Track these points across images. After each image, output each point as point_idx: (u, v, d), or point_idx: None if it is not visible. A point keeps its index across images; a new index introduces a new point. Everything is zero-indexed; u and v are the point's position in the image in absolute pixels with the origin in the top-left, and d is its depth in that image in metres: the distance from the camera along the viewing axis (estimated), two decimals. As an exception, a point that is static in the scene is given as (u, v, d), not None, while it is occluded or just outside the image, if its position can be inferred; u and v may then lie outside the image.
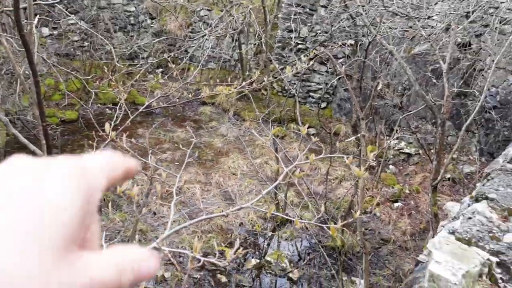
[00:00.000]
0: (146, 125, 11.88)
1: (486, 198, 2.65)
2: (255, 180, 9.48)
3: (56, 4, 8.84)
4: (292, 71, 3.29)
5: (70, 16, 9.15)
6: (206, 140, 11.43)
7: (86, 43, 13.33)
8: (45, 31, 12.66)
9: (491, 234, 2.32)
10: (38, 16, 5.64)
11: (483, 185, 2.87)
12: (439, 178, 6.49)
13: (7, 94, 9.15)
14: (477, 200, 2.69)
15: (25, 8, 5.92)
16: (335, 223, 1.98)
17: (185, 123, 12.38)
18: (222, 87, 3.02)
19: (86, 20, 13.06)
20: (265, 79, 3.77)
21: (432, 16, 7.46)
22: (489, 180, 2.89)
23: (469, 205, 2.77)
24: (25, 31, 4.47)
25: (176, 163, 10.10)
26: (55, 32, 12.97)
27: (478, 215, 2.48)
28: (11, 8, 6.32)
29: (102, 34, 13.05)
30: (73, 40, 13.16)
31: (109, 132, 1.78)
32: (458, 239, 2.30)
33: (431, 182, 6.62)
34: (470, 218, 2.45)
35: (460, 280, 2.03)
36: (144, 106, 3.46)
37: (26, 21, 5.78)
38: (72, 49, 13.25)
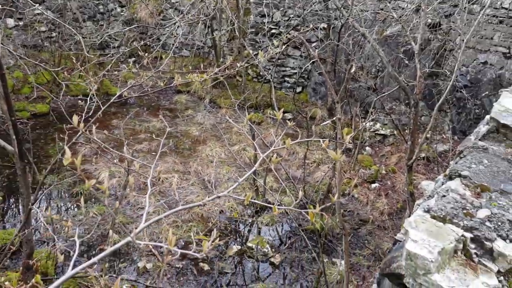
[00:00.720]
0: (120, 116, 11.68)
1: (459, 175, 2.71)
2: (233, 167, 9.47)
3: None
4: (265, 56, 3.26)
5: (35, 6, 8.85)
6: (182, 128, 11.33)
7: (54, 34, 12.95)
8: (10, 22, 12.23)
9: (464, 211, 2.38)
10: (1, 6, 5.44)
11: (456, 163, 2.93)
12: (414, 157, 6.61)
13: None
14: (450, 178, 2.74)
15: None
16: (314, 207, 2.00)
17: (160, 112, 12.22)
18: (195, 74, 2.98)
19: (53, 10, 12.66)
20: (239, 65, 3.73)
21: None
22: (462, 158, 2.95)
23: (443, 183, 2.83)
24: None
25: (153, 153, 9.98)
26: (21, 23, 12.55)
27: (452, 192, 2.53)
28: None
29: (70, 24, 12.68)
30: (40, 31, 12.76)
31: (78, 125, 1.73)
32: (433, 217, 2.34)
33: (407, 162, 6.75)
34: (444, 196, 2.50)
35: (436, 257, 2.07)
36: (116, 96, 3.40)
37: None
38: (39, 40, 12.86)
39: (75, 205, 8.50)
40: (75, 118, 1.68)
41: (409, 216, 6.25)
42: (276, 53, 12.07)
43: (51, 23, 12.70)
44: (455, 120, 9.48)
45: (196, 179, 8.92)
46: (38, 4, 12.16)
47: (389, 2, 8.87)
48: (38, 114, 11.37)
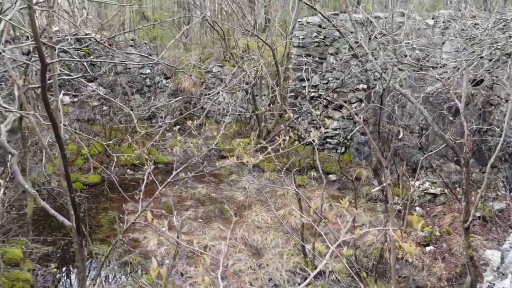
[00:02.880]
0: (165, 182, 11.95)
1: (529, 248, 2.58)
2: (280, 232, 9.36)
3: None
4: (318, 133, 3.34)
5: (89, 84, 9.51)
6: (227, 194, 11.43)
7: (105, 108, 13.76)
8: (66, 99, 13.14)
9: (540, 288, 2.24)
10: (62, 92, 5.89)
11: (523, 232, 2.79)
12: (470, 219, 6.34)
13: (33, 163, 9.39)
14: (519, 250, 2.61)
15: (50, 84, 6.19)
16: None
17: (205, 178, 12.44)
18: (248, 155, 3.08)
19: (105, 86, 13.54)
20: (286, 137, 3.81)
21: (446, 64, 7.53)
22: (528, 227, 2.82)
23: None
24: (51, 107, 4.66)
25: (200, 220, 10.07)
26: (76, 99, 13.45)
27: (524, 267, 2.40)
28: (37, 85, 6.62)
29: (120, 98, 13.48)
30: (93, 106, 13.60)
31: (151, 222, 1.81)
32: (507, 295, 2.22)
33: (462, 224, 6.46)
34: (516, 271, 2.37)
35: None
36: (172, 176, 3.54)
37: (51, 97, 6.03)
38: (92, 114, 13.67)
39: (122, 274, 8.57)
40: (149, 215, 1.76)
41: (471, 283, 5.88)
42: (317, 116, 12.15)
43: (103, 98, 13.53)
44: (510, 176, 9.09)
45: (244, 246, 8.84)
46: (91, 82, 13.10)
47: (429, 64, 8.92)
48: (90, 184, 11.85)
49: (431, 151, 9.11)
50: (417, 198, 9.62)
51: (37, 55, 5.82)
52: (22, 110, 5.81)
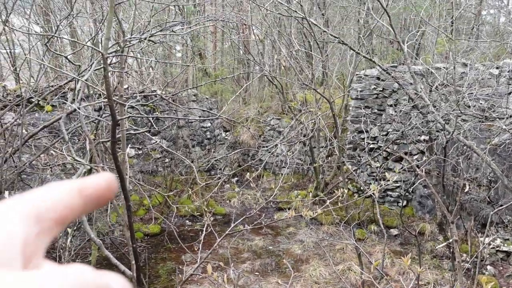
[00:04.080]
0: (223, 234, 12.00)
1: None
2: (339, 288, 9.00)
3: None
4: (378, 186, 3.29)
5: (153, 138, 9.99)
6: (284, 247, 11.25)
7: (167, 160, 14.30)
8: (131, 152, 13.84)
9: None
10: (129, 146, 6.26)
11: None
12: (550, 282, 5.78)
13: (99, 213, 9.85)
14: None
15: (118, 138, 6.59)
16: None
17: (263, 230, 12.37)
18: (306, 208, 3.08)
19: (167, 139, 14.16)
20: (345, 190, 3.77)
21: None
22: None
23: None
24: (119, 161, 4.93)
25: (256, 273, 9.93)
26: (140, 152, 14.14)
27: None
28: (107, 140, 7.08)
29: (181, 151, 14.00)
30: (156, 158, 14.20)
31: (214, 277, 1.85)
32: None
33: (542, 287, 5.91)
34: None
35: None
36: (231, 228, 3.59)
37: (119, 150, 6.39)
38: (155, 166, 14.24)
39: (181, 328, 8.51)
40: (209, 268, 1.80)
41: None
42: (377, 168, 11.86)
43: (165, 151, 14.12)
44: None
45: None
46: (155, 136, 13.76)
47: (493, 112, 8.58)
48: (150, 234, 12.14)
49: (501, 206, 8.55)
50: (487, 256, 8.95)
51: (108, 112, 6.28)
52: (91, 163, 6.20)
